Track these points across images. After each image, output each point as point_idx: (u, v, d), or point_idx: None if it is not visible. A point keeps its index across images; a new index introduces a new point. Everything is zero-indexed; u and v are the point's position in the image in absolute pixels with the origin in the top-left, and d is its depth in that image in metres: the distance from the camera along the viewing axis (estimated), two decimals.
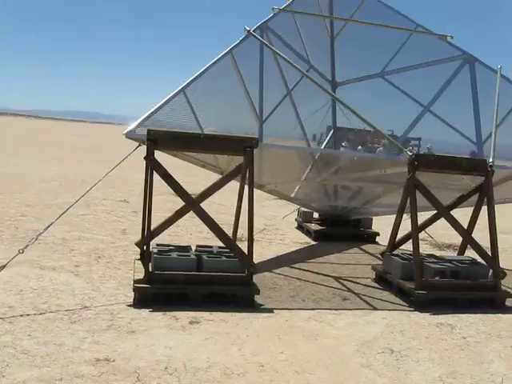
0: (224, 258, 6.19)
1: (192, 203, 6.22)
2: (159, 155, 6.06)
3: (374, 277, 7.54)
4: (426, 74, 9.61)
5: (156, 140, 5.95)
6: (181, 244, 6.83)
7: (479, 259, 7.18)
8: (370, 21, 9.01)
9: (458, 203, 7.41)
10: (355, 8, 9.75)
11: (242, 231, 6.93)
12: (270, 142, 7.64)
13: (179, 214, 6.31)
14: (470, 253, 7.47)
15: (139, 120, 6.38)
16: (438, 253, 8.18)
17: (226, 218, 8.48)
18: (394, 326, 5.71)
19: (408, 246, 7.34)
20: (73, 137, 45.16)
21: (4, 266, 5.71)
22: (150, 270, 5.85)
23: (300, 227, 11.09)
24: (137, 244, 6.74)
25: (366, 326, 5.65)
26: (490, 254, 6.95)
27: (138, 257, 6.56)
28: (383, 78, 9.91)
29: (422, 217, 7.33)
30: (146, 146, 6.02)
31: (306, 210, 11.00)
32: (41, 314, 5.17)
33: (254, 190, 6.28)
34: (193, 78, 7.01)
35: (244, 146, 6.17)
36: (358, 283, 7.33)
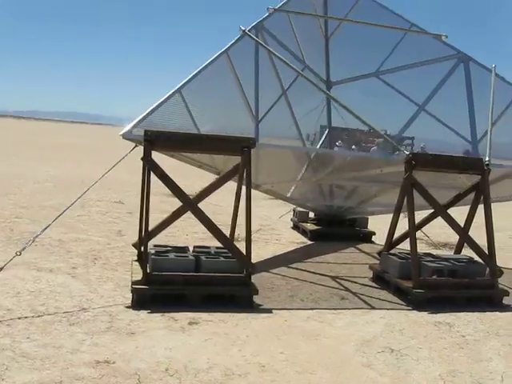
0: (222, 259, 6.17)
1: (190, 204, 6.19)
2: (156, 156, 6.04)
3: (371, 276, 7.54)
4: (421, 74, 9.64)
5: (153, 140, 5.93)
6: (178, 245, 6.81)
7: (476, 257, 7.21)
8: (365, 20, 9.01)
9: (454, 202, 7.42)
10: (350, 8, 9.75)
11: (238, 231, 6.93)
12: (265, 141, 7.63)
13: (176, 215, 6.28)
14: (467, 251, 7.50)
15: (135, 121, 6.36)
16: (434, 252, 8.19)
17: (223, 219, 8.46)
18: (393, 325, 5.71)
19: (404, 245, 7.36)
20: (73, 138, 44.98)
21: (1, 269, 5.66)
22: (148, 271, 5.82)
23: (296, 227, 11.09)
24: (134, 245, 6.72)
25: (365, 326, 5.65)
26: (486, 252, 6.97)
27: (135, 258, 6.54)
28: (378, 77, 9.94)
29: (419, 216, 7.34)
30: (142, 147, 6.00)
31: (301, 209, 11.00)
32: (39, 316, 5.13)
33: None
34: (188, 78, 7.00)
35: (241, 146, 6.15)
36: (355, 282, 7.33)
